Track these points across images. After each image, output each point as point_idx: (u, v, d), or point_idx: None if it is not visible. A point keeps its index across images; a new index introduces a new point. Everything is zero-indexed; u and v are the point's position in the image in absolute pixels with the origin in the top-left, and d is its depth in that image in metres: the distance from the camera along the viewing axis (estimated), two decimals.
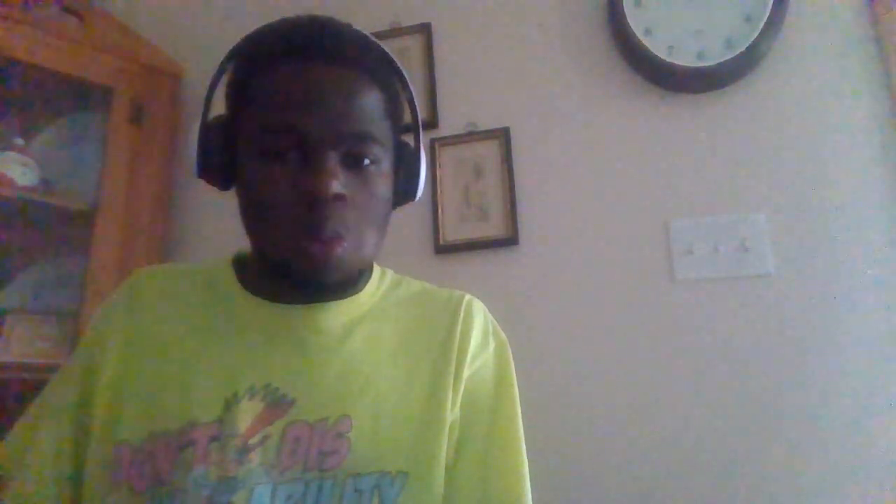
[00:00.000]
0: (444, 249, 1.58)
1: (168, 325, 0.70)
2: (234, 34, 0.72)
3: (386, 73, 0.70)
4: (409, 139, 0.76)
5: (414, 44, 1.73)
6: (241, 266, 0.74)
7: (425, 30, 1.73)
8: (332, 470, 0.62)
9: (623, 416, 1.41)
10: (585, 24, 1.64)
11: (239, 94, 0.68)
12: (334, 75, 0.63)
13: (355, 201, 0.63)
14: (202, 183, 0.70)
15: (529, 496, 0.71)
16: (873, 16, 1.46)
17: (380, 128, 0.66)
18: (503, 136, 1.61)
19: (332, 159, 0.62)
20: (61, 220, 1.60)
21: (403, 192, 0.73)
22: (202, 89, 0.72)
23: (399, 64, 0.72)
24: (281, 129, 0.62)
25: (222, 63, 0.70)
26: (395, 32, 1.74)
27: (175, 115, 1.75)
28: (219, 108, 0.71)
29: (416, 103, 0.75)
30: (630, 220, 1.51)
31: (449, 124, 1.66)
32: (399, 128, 0.72)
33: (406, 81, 0.73)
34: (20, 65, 1.51)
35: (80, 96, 1.66)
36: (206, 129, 0.69)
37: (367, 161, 0.65)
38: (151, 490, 0.61)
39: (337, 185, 0.61)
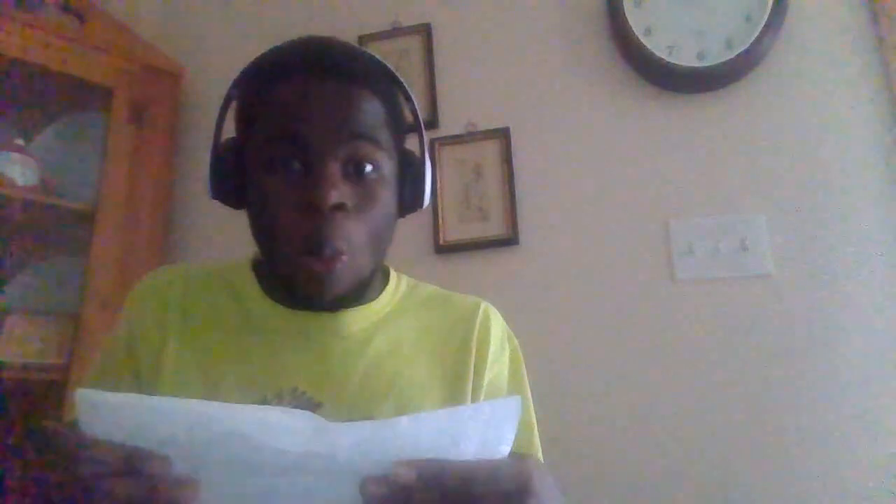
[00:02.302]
0: (444, 249, 1.58)
1: (193, 322, 0.71)
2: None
3: (387, 86, 0.71)
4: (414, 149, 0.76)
5: (414, 44, 1.73)
6: (259, 270, 0.75)
7: (425, 30, 1.73)
8: None
9: (623, 415, 1.41)
10: (585, 24, 1.64)
11: (246, 116, 0.70)
12: (334, 87, 0.65)
13: (357, 211, 0.64)
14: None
15: None
16: (873, 16, 1.46)
17: (381, 134, 0.67)
18: (503, 136, 1.61)
19: (333, 168, 0.63)
20: (61, 220, 1.60)
21: (410, 201, 0.74)
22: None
23: (401, 77, 0.73)
24: (283, 138, 0.64)
25: (230, 89, 0.71)
26: (395, 32, 1.74)
27: (175, 115, 1.75)
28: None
29: (418, 109, 0.76)
30: (630, 220, 1.51)
31: (449, 124, 1.66)
32: (402, 138, 0.74)
33: (409, 93, 0.74)
34: (20, 65, 1.51)
35: (80, 96, 1.65)
36: (218, 152, 0.70)
37: (368, 168, 0.65)
38: None
39: (336, 195, 0.62)
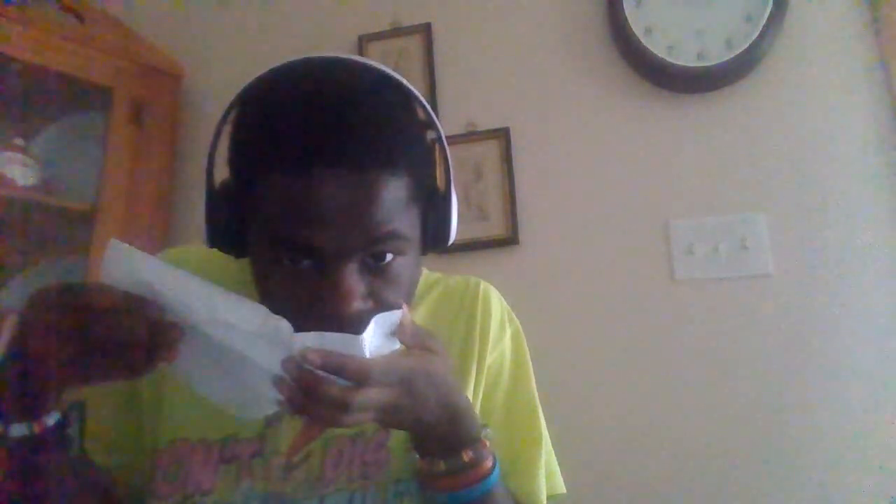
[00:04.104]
0: (444, 249, 1.58)
1: None
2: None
3: (413, 144, 0.60)
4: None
5: (414, 44, 1.72)
6: None
7: (425, 30, 1.73)
8: (374, 478, 0.65)
9: (622, 415, 1.41)
10: (585, 24, 1.64)
11: (241, 165, 0.61)
12: (347, 181, 0.54)
13: (379, 300, 0.58)
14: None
15: (544, 480, 0.73)
16: (873, 16, 1.46)
17: (403, 219, 0.58)
18: (503, 136, 1.61)
19: (350, 270, 0.55)
20: (61, 220, 1.60)
21: (434, 242, 0.66)
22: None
23: (433, 117, 0.64)
24: (290, 243, 0.56)
25: (220, 123, 0.62)
26: (395, 32, 1.74)
27: (175, 115, 1.75)
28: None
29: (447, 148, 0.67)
30: (630, 220, 1.51)
31: (449, 124, 1.66)
32: (430, 177, 0.65)
33: (438, 129, 0.65)
34: (20, 65, 1.51)
35: (80, 96, 1.65)
36: (212, 200, 0.62)
37: (389, 256, 0.58)
38: (182, 497, 0.63)
39: (357, 303, 0.55)
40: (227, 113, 0.61)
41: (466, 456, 0.59)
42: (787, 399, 1.34)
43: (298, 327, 0.53)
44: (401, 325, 0.56)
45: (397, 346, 0.56)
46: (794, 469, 1.31)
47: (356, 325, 0.55)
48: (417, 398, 0.55)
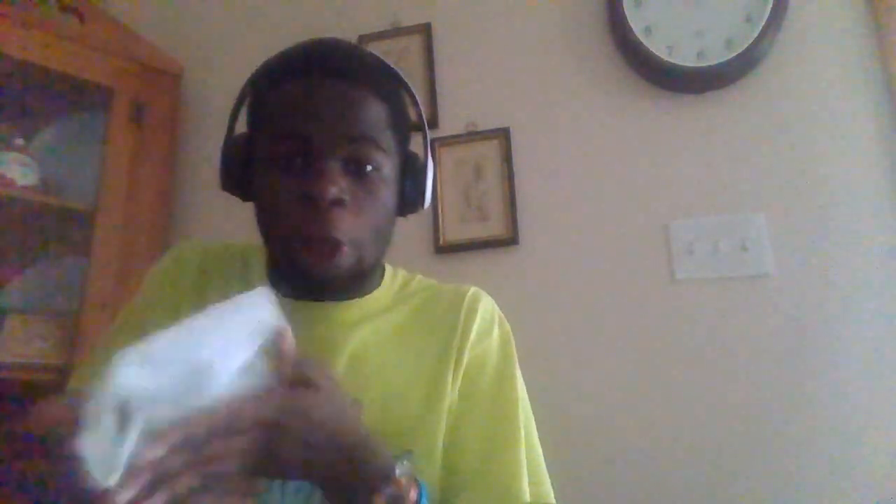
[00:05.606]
0: (444, 249, 1.58)
1: (207, 301, 0.72)
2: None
3: (391, 88, 0.74)
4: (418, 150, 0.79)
5: (414, 44, 1.73)
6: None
7: (425, 30, 1.73)
8: None
9: (622, 415, 1.41)
10: (585, 24, 1.64)
11: (255, 114, 0.73)
12: (338, 88, 0.67)
13: (356, 206, 0.67)
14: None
15: (526, 478, 0.72)
16: (873, 16, 1.46)
17: (382, 136, 0.69)
18: (503, 136, 1.61)
19: (334, 165, 0.66)
20: (61, 220, 1.60)
21: (411, 200, 0.76)
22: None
23: (406, 79, 0.76)
24: (287, 136, 0.67)
25: (244, 88, 0.74)
26: (395, 32, 1.74)
27: (175, 115, 1.75)
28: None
29: (423, 110, 0.80)
30: (630, 220, 1.51)
31: (449, 124, 1.66)
32: (406, 141, 0.76)
33: (414, 95, 0.77)
34: (20, 65, 1.51)
35: (80, 96, 1.65)
36: (229, 145, 0.74)
37: (369, 167, 0.68)
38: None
39: (336, 190, 0.64)
40: (252, 79, 0.74)
41: (379, 500, 0.54)
42: (787, 399, 1.34)
43: (288, 217, 0.64)
44: (280, 349, 0.50)
45: (254, 348, 0.48)
46: (794, 469, 1.31)
47: (334, 217, 0.64)
48: (296, 441, 0.50)
